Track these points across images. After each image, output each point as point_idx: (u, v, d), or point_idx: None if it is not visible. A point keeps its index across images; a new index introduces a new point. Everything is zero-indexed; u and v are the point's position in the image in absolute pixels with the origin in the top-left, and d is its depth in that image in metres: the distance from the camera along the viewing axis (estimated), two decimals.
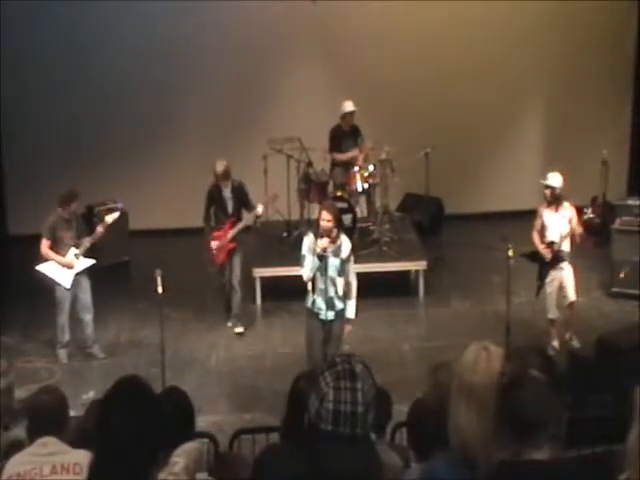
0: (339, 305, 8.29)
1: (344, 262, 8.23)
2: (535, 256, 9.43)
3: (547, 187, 9.35)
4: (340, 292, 8.24)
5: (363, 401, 3.05)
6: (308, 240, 8.29)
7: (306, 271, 8.21)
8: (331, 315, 8.27)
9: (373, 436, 3.63)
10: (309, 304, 8.29)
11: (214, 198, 10.17)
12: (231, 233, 10.09)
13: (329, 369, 3.10)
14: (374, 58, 13.20)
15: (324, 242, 8.06)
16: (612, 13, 13.40)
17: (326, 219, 8.13)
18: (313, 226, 8.95)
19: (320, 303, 8.23)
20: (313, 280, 8.21)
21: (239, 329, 10.30)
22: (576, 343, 9.48)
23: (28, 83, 12.91)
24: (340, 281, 8.23)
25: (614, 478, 3.05)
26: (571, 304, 9.47)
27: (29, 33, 12.78)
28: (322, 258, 8.10)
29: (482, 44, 13.33)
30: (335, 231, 8.23)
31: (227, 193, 10.12)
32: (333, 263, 8.17)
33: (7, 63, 12.56)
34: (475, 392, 2.95)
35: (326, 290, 8.20)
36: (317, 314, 8.26)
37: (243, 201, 10.17)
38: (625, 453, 3.10)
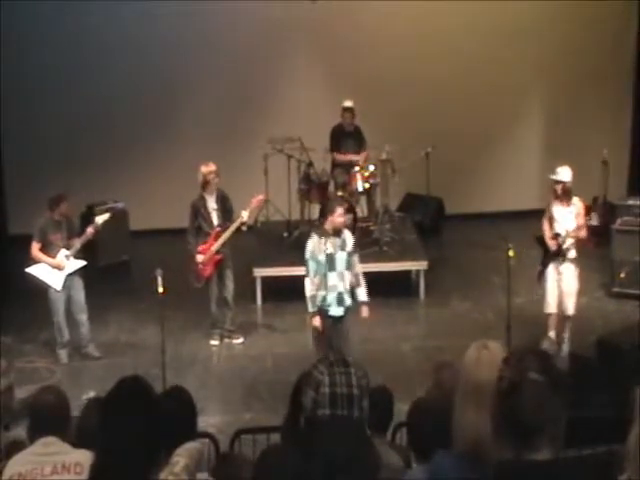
0: (348, 301, 8.42)
1: (350, 255, 8.33)
2: (543, 241, 9.36)
3: (557, 182, 9.20)
4: (348, 287, 8.36)
5: (357, 384, 3.05)
6: (311, 243, 8.36)
7: (307, 282, 8.35)
8: (340, 311, 8.39)
9: (369, 432, 3.63)
10: (318, 301, 8.36)
11: (199, 211, 9.73)
12: (216, 245, 9.70)
13: (322, 362, 3.11)
14: (374, 58, 13.19)
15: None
16: (612, 13, 13.40)
17: (342, 214, 8.31)
18: (314, 227, 8.98)
19: (331, 299, 8.35)
20: (325, 277, 8.31)
21: (239, 340, 10.14)
22: (565, 347, 9.33)
23: (28, 83, 12.89)
24: (348, 275, 8.32)
25: (614, 478, 3.05)
26: (568, 317, 9.34)
27: (30, 32, 12.78)
28: (330, 256, 8.25)
29: (482, 44, 13.32)
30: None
31: (212, 204, 9.74)
32: (341, 257, 8.30)
33: (7, 63, 12.55)
34: (482, 389, 2.95)
35: (336, 286, 8.30)
36: (326, 311, 8.37)
37: (228, 212, 9.79)
38: (625, 453, 3.10)
